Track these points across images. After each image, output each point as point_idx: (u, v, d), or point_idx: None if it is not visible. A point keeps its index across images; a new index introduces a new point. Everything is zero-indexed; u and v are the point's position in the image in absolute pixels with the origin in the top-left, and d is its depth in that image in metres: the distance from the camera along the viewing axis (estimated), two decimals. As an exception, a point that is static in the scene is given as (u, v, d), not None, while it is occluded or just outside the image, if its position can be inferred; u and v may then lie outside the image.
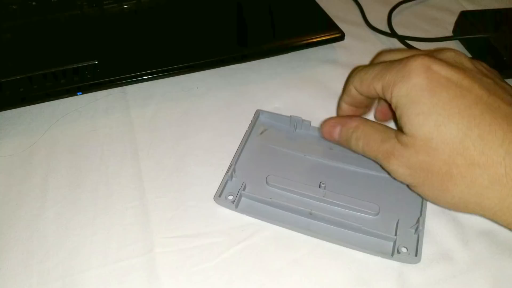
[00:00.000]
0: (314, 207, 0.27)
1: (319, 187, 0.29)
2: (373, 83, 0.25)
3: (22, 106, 0.34)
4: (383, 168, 0.26)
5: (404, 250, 0.26)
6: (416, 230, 0.27)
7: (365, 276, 0.25)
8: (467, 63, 0.25)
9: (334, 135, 0.28)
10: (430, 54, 0.25)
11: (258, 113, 0.33)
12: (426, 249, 0.26)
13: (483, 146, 0.22)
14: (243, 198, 0.28)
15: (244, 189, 0.28)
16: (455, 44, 0.42)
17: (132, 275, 0.25)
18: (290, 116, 0.32)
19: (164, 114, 0.35)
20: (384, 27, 0.44)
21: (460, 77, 0.23)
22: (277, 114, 0.33)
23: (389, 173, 0.26)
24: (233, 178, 0.29)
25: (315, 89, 0.37)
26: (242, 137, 0.31)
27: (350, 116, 0.29)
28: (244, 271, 0.26)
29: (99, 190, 0.29)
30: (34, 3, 0.40)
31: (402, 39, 0.42)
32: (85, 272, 0.25)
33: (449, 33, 0.44)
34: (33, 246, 0.27)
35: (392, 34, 0.43)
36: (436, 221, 0.28)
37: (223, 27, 0.39)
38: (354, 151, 0.27)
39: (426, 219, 0.27)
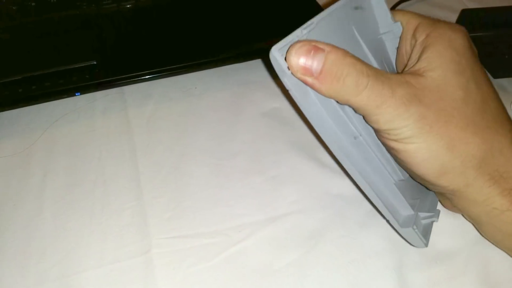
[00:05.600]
0: (363, 134, 0.24)
1: None
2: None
3: (20, 106, 0.34)
4: (374, 124, 0.21)
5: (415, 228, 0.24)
6: (430, 218, 0.25)
7: (363, 277, 0.25)
8: None
9: (312, 67, 0.19)
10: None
11: None
12: (427, 249, 0.26)
13: None
14: None
15: None
16: (456, 43, 0.42)
17: (129, 276, 0.25)
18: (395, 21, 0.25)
19: (162, 114, 0.35)
20: (385, 26, 0.44)
21: None
22: (385, 4, 0.26)
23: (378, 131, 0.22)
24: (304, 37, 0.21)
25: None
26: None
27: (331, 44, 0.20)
28: (242, 272, 0.25)
29: (96, 191, 0.29)
30: (33, 3, 0.40)
31: (403, 37, 0.41)
32: (82, 273, 0.25)
33: (450, 31, 0.43)
34: (30, 247, 0.27)
35: (393, 32, 0.42)
36: (438, 222, 0.28)
37: (221, 27, 0.39)
38: (343, 96, 0.20)
39: None
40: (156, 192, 0.29)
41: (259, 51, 0.36)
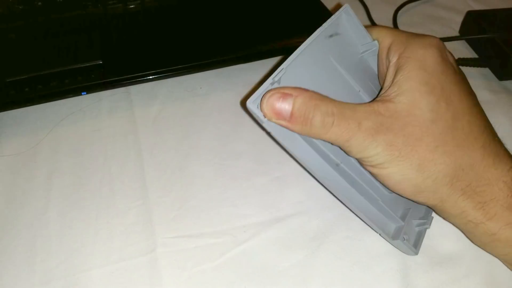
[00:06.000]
0: (344, 161, 0.24)
1: None
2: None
3: (27, 105, 0.34)
4: (349, 154, 0.23)
5: (405, 238, 0.25)
6: (422, 225, 0.26)
7: (367, 278, 0.25)
8: None
9: (283, 112, 0.21)
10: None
11: (343, 10, 0.25)
12: (431, 251, 0.26)
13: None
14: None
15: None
16: (461, 44, 0.42)
17: (134, 275, 0.25)
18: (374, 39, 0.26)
19: (167, 114, 0.35)
20: (390, 27, 0.44)
21: None
22: (360, 24, 0.26)
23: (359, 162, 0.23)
24: (275, 85, 0.22)
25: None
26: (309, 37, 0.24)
27: (299, 88, 0.21)
28: (246, 272, 0.25)
29: (102, 190, 0.30)
30: (40, 3, 0.40)
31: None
32: (87, 271, 0.25)
33: (455, 33, 0.43)
34: (36, 245, 0.27)
35: (398, 34, 0.42)
36: (441, 225, 0.28)
37: (226, 28, 0.39)
38: (314, 135, 0.22)
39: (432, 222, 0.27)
40: (162, 192, 0.29)
41: (264, 52, 0.37)
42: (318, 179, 0.24)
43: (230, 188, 0.30)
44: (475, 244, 0.25)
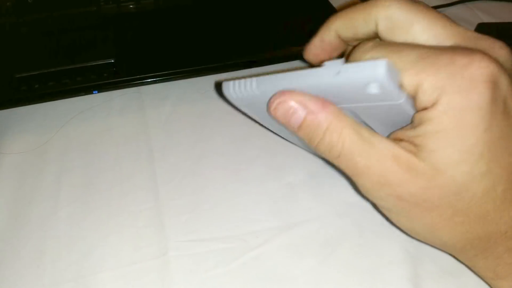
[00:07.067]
0: None
1: None
2: (409, 70, 0.17)
3: (37, 102, 0.33)
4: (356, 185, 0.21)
5: None
6: None
7: (378, 286, 0.25)
8: None
9: (292, 122, 0.20)
10: (483, 50, 0.18)
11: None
12: (442, 260, 0.26)
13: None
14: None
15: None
16: (470, 55, 0.42)
17: (145, 278, 0.25)
18: None
19: (179, 115, 0.35)
20: (400, 36, 0.44)
21: None
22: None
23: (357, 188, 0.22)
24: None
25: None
26: None
27: (319, 100, 0.20)
28: (258, 278, 0.25)
29: (113, 191, 0.29)
30: (52, -2, 0.40)
31: (418, 48, 0.41)
32: (98, 274, 0.25)
33: (464, 44, 0.44)
34: (45, 246, 0.26)
35: (408, 43, 0.43)
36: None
37: (240, 31, 0.39)
38: (321, 154, 0.21)
39: None
40: (174, 194, 0.29)
41: (277, 57, 0.37)
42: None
43: (242, 192, 0.30)
44: None
